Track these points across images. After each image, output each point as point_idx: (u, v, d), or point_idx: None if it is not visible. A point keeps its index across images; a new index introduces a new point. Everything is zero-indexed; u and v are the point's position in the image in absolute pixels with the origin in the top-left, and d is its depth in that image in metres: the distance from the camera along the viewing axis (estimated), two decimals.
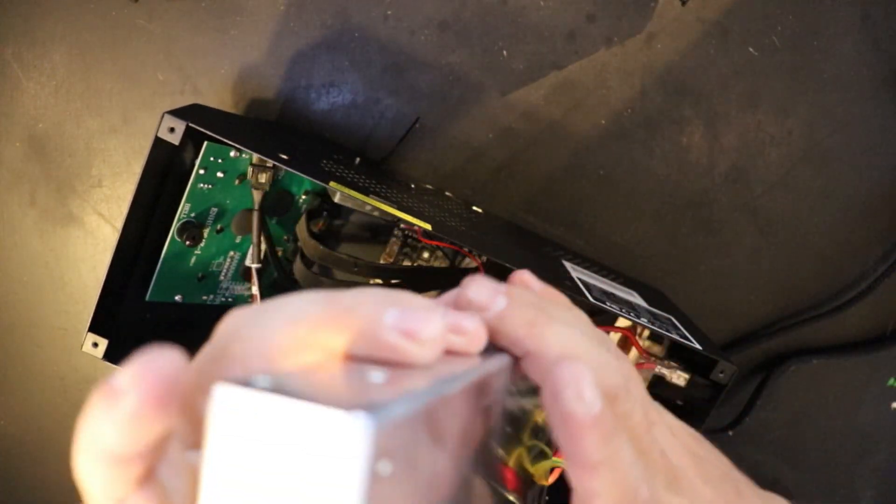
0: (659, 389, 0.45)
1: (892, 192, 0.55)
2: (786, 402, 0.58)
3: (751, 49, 0.53)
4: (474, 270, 0.51)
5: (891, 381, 0.58)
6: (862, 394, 0.58)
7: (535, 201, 0.55)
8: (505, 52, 0.52)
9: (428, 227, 0.39)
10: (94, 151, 0.53)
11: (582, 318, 0.24)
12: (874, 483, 0.60)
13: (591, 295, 0.41)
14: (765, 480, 0.33)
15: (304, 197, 0.50)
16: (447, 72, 0.53)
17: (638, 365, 0.43)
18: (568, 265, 0.47)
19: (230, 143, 0.36)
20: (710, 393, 0.41)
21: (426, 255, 0.53)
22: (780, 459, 0.59)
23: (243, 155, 0.43)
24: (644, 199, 0.55)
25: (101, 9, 0.51)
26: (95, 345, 0.39)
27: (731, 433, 0.54)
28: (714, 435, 0.54)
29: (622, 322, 0.47)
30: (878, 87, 0.54)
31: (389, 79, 0.53)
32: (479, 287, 0.22)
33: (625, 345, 0.47)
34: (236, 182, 0.44)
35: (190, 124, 0.36)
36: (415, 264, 0.53)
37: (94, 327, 0.38)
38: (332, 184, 0.37)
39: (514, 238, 0.49)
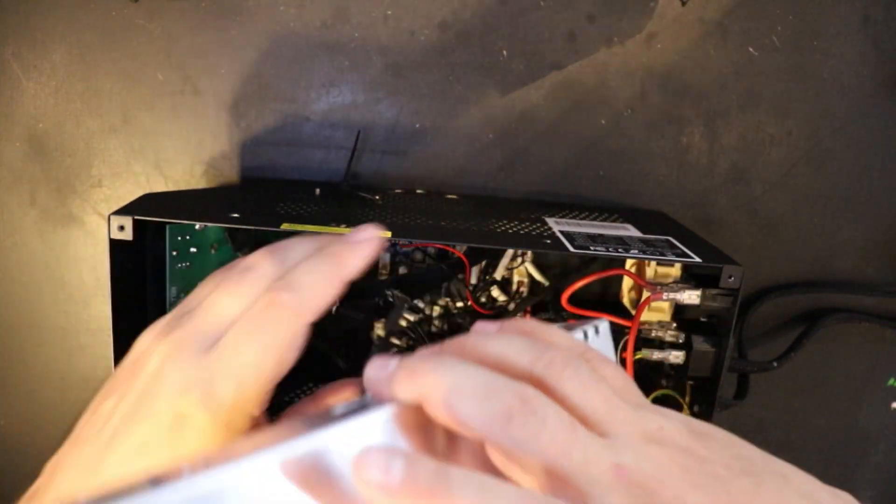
0: (680, 314, 0.45)
1: (893, 191, 0.55)
2: (786, 402, 0.59)
3: (751, 49, 0.53)
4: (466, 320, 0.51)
5: (891, 381, 0.58)
6: (862, 394, 0.59)
7: (536, 201, 0.55)
8: (505, 52, 0.52)
9: (387, 235, 0.40)
10: (94, 151, 0.53)
11: (475, 347, 0.26)
12: (874, 483, 0.60)
13: (574, 244, 0.41)
14: None
15: None
16: (447, 72, 0.53)
17: (646, 300, 0.43)
18: (551, 220, 0.47)
19: (181, 221, 0.38)
20: (728, 301, 0.41)
21: (418, 256, 0.53)
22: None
23: (208, 224, 0.44)
24: (644, 200, 0.55)
25: (101, 9, 0.51)
26: None
27: (776, 364, 0.53)
28: (760, 367, 0.53)
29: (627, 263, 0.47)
30: (878, 87, 0.54)
31: (389, 79, 0.53)
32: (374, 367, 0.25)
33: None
34: (212, 251, 0.45)
35: (136, 217, 0.37)
36: (409, 272, 0.53)
37: None
38: (283, 225, 0.39)
39: (492, 212, 0.49)
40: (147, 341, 0.29)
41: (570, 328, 0.32)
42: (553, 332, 0.27)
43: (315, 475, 0.21)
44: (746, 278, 0.40)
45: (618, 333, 0.43)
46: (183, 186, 0.54)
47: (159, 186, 0.54)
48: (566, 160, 0.54)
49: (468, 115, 0.53)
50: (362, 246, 0.31)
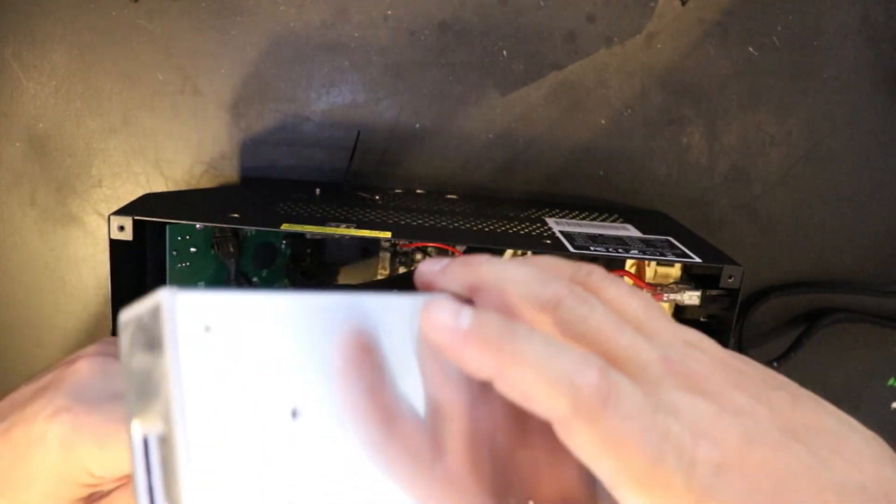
0: (680, 315, 0.46)
1: (893, 191, 0.55)
2: None
3: (751, 49, 0.53)
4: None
5: (891, 381, 0.58)
6: (862, 394, 0.59)
7: (536, 201, 0.55)
8: (505, 52, 0.52)
9: (387, 235, 0.40)
10: (94, 151, 0.53)
11: (524, 258, 0.26)
12: None
13: (573, 245, 0.41)
14: None
15: (283, 242, 0.50)
16: (447, 72, 0.53)
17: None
18: (551, 221, 0.47)
19: (181, 221, 0.38)
20: (728, 302, 0.41)
21: (419, 256, 0.53)
22: None
23: (208, 224, 0.44)
24: (644, 200, 0.55)
25: (101, 9, 0.51)
26: None
27: (776, 364, 0.53)
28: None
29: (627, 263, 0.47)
30: (878, 87, 0.54)
31: (389, 79, 0.53)
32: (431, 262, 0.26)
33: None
34: (213, 251, 0.45)
35: (136, 217, 0.37)
36: (409, 272, 0.53)
37: None
38: (283, 226, 0.39)
39: (492, 212, 0.49)
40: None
41: None
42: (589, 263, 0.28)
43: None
44: (746, 278, 0.40)
45: None
46: (183, 186, 0.54)
47: (159, 186, 0.54)
48: (566, 160, 0.54)
49: (468, 115, 0.53)
50: None
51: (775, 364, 0.53)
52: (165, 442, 0.17)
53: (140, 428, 0.18)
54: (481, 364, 0.20)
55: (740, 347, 0.54)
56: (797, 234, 0.56)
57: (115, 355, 0.31)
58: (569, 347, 0.21)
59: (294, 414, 0.20)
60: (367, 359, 0.22)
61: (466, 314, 0.21)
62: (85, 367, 0.30)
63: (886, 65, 0.53)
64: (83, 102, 0.53)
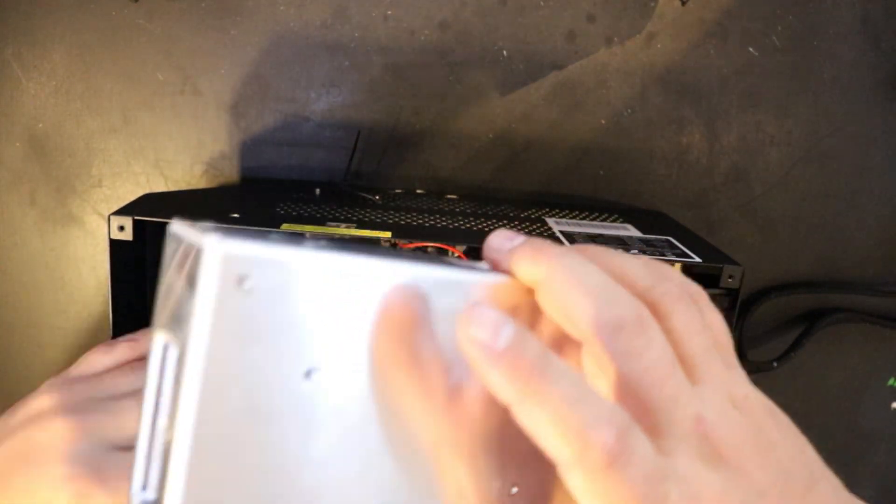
0: None
1: (893, 191, 0.55)
2: (786, 402, 0.58)
3: (751, 49, 0.53)
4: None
5: (891, 381, 0.58)
6: (862, 394, 0.58)
7: (536, 201, 0.55)
8: (505, 52, 0.52)
9: (387, 235, 0.40)
10: (94, 151, 0.53)
11: (600, 255, 0.24)
12: (874, 483, 0.60)
13: (573, 244, 0.41)
14: None
15: None
16: (447, 72, 0.53)
17: None
18: (551, 220, 0.47)
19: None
20: (728, 302, 0.41)
21: None
22: None
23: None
24: (644, 200, 0.55)
25: (101, 9, 0.51)
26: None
27: (776, 364, 0.53)
28: (760, 367, 0.53)
29: None
30: (878, 87, 0.54)
31: (389, 79, 0.53)
32: (496, 236, 0.25)
33: None
34: None
35: (136, 217, 0.37)
36: None
37: None
38: (283, 226, 0.39)
39: (492, 212, 0.49)
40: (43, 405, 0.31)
41: None
42: (666, 266, 0.26)
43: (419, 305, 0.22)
44: (746, 278, 0.40)
45: None
46: (183, 186, 0.54)
47: (159, 186, 0.54)
48: (566, 160, 0.54)
49: (468, 115, 0.53)
50: None
51: (775, 364, 0.53)
52: (181, 363, 0.18)
53: (163, 338, 0.19)
54: (503, 389, 0.20)
55: (740, 347, 0.54)
56: (797, 234, 0.56)
57: (65, 399, 0.31)
58: (596, 398, 0.20)
59: (309, 372, 0.20)
60: (411, 307, 0.22)
61: (507, 334, 0.20)
62: (61, 428, 0.31)
63: (886, 65, 0.53)
64: (83, 102, 0.53)
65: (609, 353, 0.22)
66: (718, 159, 0.54)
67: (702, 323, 0.24)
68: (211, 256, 0.18)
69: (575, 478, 0.20)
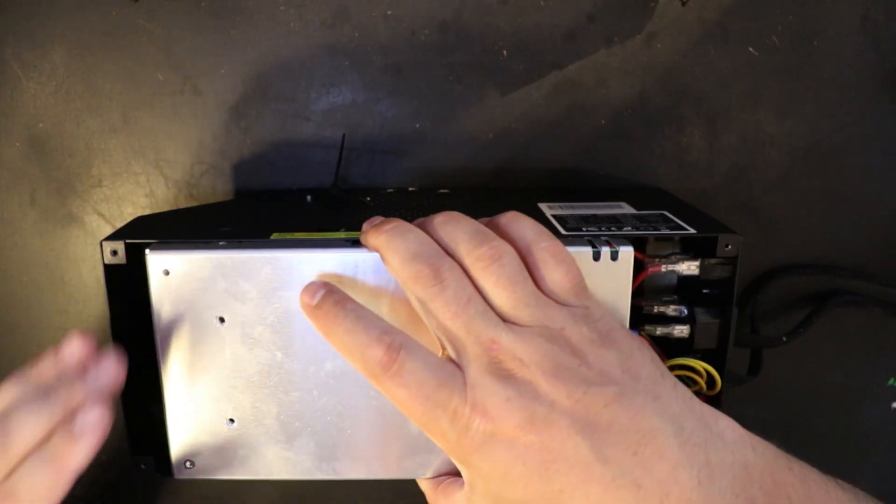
0: (683, 287, 0.45)
1: (893, 191, 0.55)
2: (786, 402, 0.59)
3: (751, 49, 0.53)
4: None
5: (891, 381, 0.58)
6: (862, 394, 0.58)
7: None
8: (505, 52, 0.52)
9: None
10: (94, 151, 0.53)
11: (438, 226, 0.32)
12: (874, 483, 0.60)
13: (566, 227, 0.41)
14: None
15: None
16: (447, 72, 0.53)
17: (644, 272, 0.41)
18: (544, 206, 0.47)
19: (171, 241, 0.38)
20: (728, 271, 0.41)
21: None
22: None
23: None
24: None
25: (101, 9, 0.51)
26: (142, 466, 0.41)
27: (785, 339, 0.53)
28: (771, 342, 0.53)
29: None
30: (878, 87, 0.54)
31: (389, 79, 0.53)
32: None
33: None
34: None
35: (128, 241, 0.37)
36: None
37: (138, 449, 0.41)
38: (273, 235, 0.39)
39: (485, 204, 0.49)
40: None
41: (593, 241, 0.36)
42: (524, 222, 0.33)
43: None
44: (746, 275, 0.40)
45: None
46: (183, 186, 0.54)
47: (159, 186, 0.54)
48: (566, 160, 0.54)
49: (468, 115, 0.53)
50: (85, 440, 0.31)
51: (784, 339, 0.53)
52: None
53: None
54: (317, 325, 0.30)
55: (753, 327, 0.54)
56: (797, 234, 0.56)
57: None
58: (373, 328, 0.29)
59: (222, 319, 0.36)
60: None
61: (318, 295, 0.31)
62: (41, 474, 0.31)
63: (886, 65, 0.53)
64: (83, 102, 0.53)
65: (414, 297, 0.31)
66: (718, 159, 0.54)
67: (516, 276, 0.30)
68: (150, 260, 0.36)
69: (372, 383, 0.29)
